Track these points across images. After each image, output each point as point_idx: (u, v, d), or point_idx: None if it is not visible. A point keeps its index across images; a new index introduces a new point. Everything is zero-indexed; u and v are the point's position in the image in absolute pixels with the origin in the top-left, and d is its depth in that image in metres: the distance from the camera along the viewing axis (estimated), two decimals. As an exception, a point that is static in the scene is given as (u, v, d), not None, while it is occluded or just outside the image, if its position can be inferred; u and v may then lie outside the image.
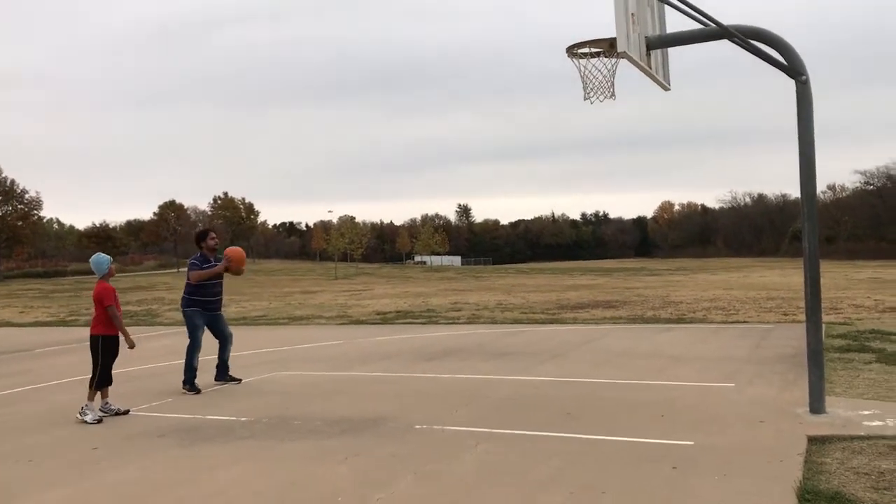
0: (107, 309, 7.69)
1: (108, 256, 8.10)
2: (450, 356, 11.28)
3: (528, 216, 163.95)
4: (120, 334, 7.80)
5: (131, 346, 7.85)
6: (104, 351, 7.71)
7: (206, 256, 9.44)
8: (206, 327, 9.42)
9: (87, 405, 7.64)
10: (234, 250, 9.51)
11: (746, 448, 5.81)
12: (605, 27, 6.48)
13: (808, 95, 6.76)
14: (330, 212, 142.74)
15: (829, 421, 6.51)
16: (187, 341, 9.21)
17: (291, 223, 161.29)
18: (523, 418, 7.03)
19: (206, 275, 9.28)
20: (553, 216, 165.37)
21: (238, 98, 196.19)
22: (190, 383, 9.06)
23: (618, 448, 5.92)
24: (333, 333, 15.70)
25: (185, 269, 9.63)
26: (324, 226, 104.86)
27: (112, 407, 7.86)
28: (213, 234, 9.67)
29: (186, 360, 9.16)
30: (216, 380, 9.54)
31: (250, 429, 7.01)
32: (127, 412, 7.85)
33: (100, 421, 7.47)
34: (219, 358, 9.63)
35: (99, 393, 7.80)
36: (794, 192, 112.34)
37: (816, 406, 6.79)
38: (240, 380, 9.67)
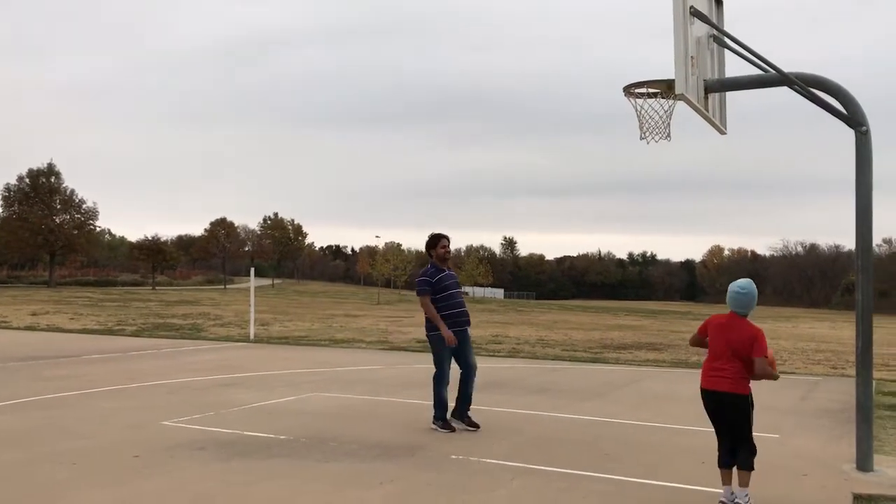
0: (755, 362, 5.13)
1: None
2: (488, 389, 11.21)
3: (574, 253, 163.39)
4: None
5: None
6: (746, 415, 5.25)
7: (437, 267, 8.08)
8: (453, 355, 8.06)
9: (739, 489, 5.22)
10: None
11: (789, 501, 5.67)
12: (664, 67, 6.48)
13: (868, 146, 6.66)
14: (377, 237, 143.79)
15: (876, 479, 6.32)
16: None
17: (337, 246, 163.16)
18: (560, 456, 6.96)
19: (429, 312, 7.98)
20: (599, 254, 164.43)
21: (293, 120, 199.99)
22: (442, 419, 7.98)
23: (656, 493, 5.82)
24: (373, 358, 15.74)
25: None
26: (369, 251, 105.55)
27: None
28: (446, 242, 8.12)
29: (434, 393, 8.05)
30: (452, 416, 8.07)
31: (287, 447, 7.05)
32: None
33: None
34: (459, 391, 8.11)
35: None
36: (848, 243, 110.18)
37: (864, 463, 6.60)
38: (478, 426, 8.02)
